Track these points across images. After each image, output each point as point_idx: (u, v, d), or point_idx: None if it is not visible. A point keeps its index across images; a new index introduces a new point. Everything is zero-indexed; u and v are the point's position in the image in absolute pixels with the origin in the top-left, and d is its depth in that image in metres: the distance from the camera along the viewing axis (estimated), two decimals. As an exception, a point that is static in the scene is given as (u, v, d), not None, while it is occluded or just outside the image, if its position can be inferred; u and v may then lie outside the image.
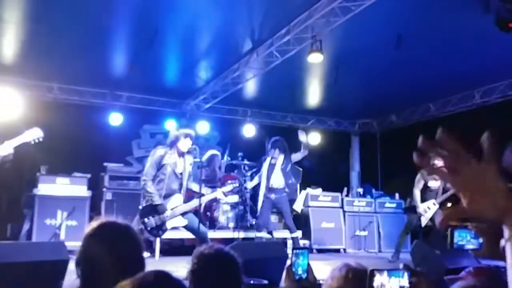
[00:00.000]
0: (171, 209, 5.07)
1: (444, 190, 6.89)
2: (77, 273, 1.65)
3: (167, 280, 1.25)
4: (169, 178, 5.12)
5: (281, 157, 7.23)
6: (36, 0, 5.80)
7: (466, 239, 1.61)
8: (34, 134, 4.83)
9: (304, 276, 1.67)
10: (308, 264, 1.69)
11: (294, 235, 7.22)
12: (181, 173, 5.25)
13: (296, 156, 7.34)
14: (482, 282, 1.62)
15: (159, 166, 5.11)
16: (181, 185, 5.27)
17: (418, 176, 7.04)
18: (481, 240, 1.60)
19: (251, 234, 7.82)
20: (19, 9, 6.02)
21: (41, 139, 4.89)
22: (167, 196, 5.11)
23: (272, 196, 7.16)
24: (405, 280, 1.57)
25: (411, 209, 7.26)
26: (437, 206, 6.91)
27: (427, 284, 1.54)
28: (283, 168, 7.18)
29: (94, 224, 1.73)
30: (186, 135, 5.22)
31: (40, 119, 7.07)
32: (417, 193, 6.99)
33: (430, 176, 6.85)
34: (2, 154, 4.60)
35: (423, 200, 6.97)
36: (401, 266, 1.57)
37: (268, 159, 7.32)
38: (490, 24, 5.37)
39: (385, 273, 1.61)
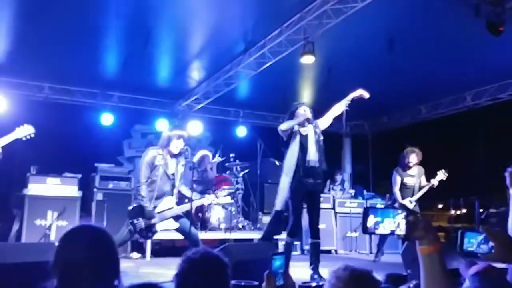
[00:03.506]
0: (160, 212, 5.04)
1: (420, 187, 7.00)
2: (53, 276, 1.69)
3: None
4: (161, 180, 5.09)
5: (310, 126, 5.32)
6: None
7: (476, 243, 1.61)
8: (25, 131, 4.80)
9: (282, 281, 1.66)
10: (286, 268, 1.69)
11: (316, 240, 5.24)
12: (173, 174, 5.21)
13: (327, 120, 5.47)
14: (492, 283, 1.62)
15: (152, 167, 5.07)
16: (173, 186, 5.23)
17: (395, 174, 7.15)
18: (491, 244, 1.59)
19: (243, 235, 7.82)
20: (10, 8, 5.96)
21: (32, 135, 4.85)
22: (158, 197, 5.08)
23: (310, 181, 5.16)
24: (401, 219, 1.56)
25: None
26: (414, 203, 6.97)
27: (424, 222, 1.54)
28: (317, 140, 5.28)
29: (70, 227, 1.78)
30: (179, 137, 5.17)
31: (31, 118, 7.02)
32: (397, 191, 7.07)
33: (406, 173, 7.01)
34: None
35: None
36: (396, 205, 1.57)
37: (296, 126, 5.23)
38: (481, 28, 5.41)
39: (379, 212, 1.59)
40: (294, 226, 5.17)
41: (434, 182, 6.93)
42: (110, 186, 7.48)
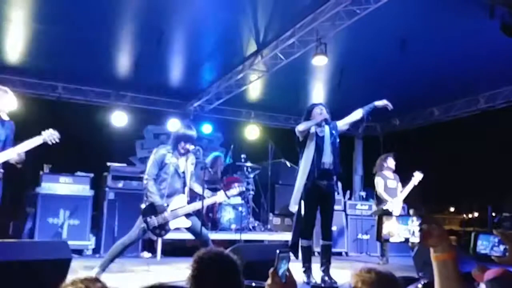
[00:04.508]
0: (172, 210, 5.04)
1: (401, 190, 7.29)
2: None
3: None
4: (172, 178, 5.06)
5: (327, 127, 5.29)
6: (42, 0, 5.82)
7: (489, 246, 1.60)
8: (51, 135, 4.84)
9: (284, 279, 1.66)
10: (288, 267, 1.69)
11: (327, 242, 5.25)
12: (183, 172, 5.20)
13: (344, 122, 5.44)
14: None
15: (161, 165, 5.05)
16: (184, 183, 5.21)
17: (378, 178, 7.37)
18: (502, 247, 1.58)
19: (253, 236, 7.82)
20: (25, 9, 6.04)
21: (57, 140, 4.86)
22: (170, 195, 5.06)
23: (324, 182, 5.16)
24: (414, 226, 1.55)
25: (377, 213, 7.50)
26: (401, 203, 7.25)
27: (439, 231, 1.52)
28: (333, 142, 5.25)
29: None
30: (187, 140, 5.11)
31: (44, 118, 7.10)
32: (383, 192, 7.26)
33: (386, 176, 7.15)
34: (18, 151, 4.57)
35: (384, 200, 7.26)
36: (411, 212, 1.57)
37: (313, 127, 5.22)
38: (495, 29, 5.36)
39: (393, 218, 1.58)
40: (308, 227, 5.19)
41: (414, 181, 7.20)
42: (122, 185, 7.53)
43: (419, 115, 10.35)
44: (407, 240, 1.57)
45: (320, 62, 6.33)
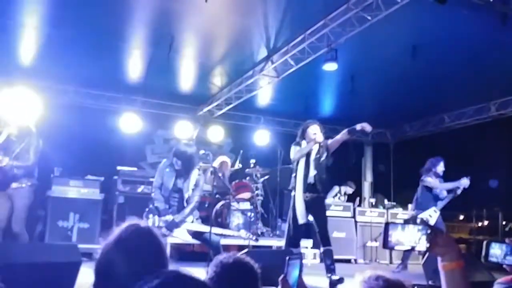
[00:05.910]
0: (174, 220, 5.09)
1: (441, 198, 7.00)
2: (95, 279, 1.58)
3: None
4: (168, 190, 5.23)
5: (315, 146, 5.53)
6: (54, 6, 5.88)
7: (501, 254, 1.58)
8: None
9: (296, 286, 1.65)
10: (300, 274, 1.68)
11: (327, 248, 5.41)
12: (179, 188, 5.28)
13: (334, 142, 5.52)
14: None
15: (163, 176, 5.24)
16: (181, 197, 5.28)
17: (432, 179, 7.04)
18: None
19: (262, 242, 7.80)
20: (38, 14, 6.10)
21: None
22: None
23: (308, 195, 5.49)
24: (421, 234, 1.55)
25: (412, 221, 7.26)
26: (438, 213, 6.95)
27: (446, 239, 1.51)
28: (317, 158, 5.50)
29: (119, 230, 1.64)
30: (178, 158, 5.18)
31: (55, 121, 7.15)
32: (441, 186, 7.01)
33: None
34: None
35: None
36: (418, 220, 1.56)
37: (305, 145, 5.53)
38: (507, 36, 5.33)
39: (399, 226, 1.58)
40: (293, 237, 5.56)
41: (458, 191, 6.89)
42: (132, 189, 7.55)
43: (429, 122, 10.30)
44: (413, 248, 1.57)
45: (331, 68, 6.34)
